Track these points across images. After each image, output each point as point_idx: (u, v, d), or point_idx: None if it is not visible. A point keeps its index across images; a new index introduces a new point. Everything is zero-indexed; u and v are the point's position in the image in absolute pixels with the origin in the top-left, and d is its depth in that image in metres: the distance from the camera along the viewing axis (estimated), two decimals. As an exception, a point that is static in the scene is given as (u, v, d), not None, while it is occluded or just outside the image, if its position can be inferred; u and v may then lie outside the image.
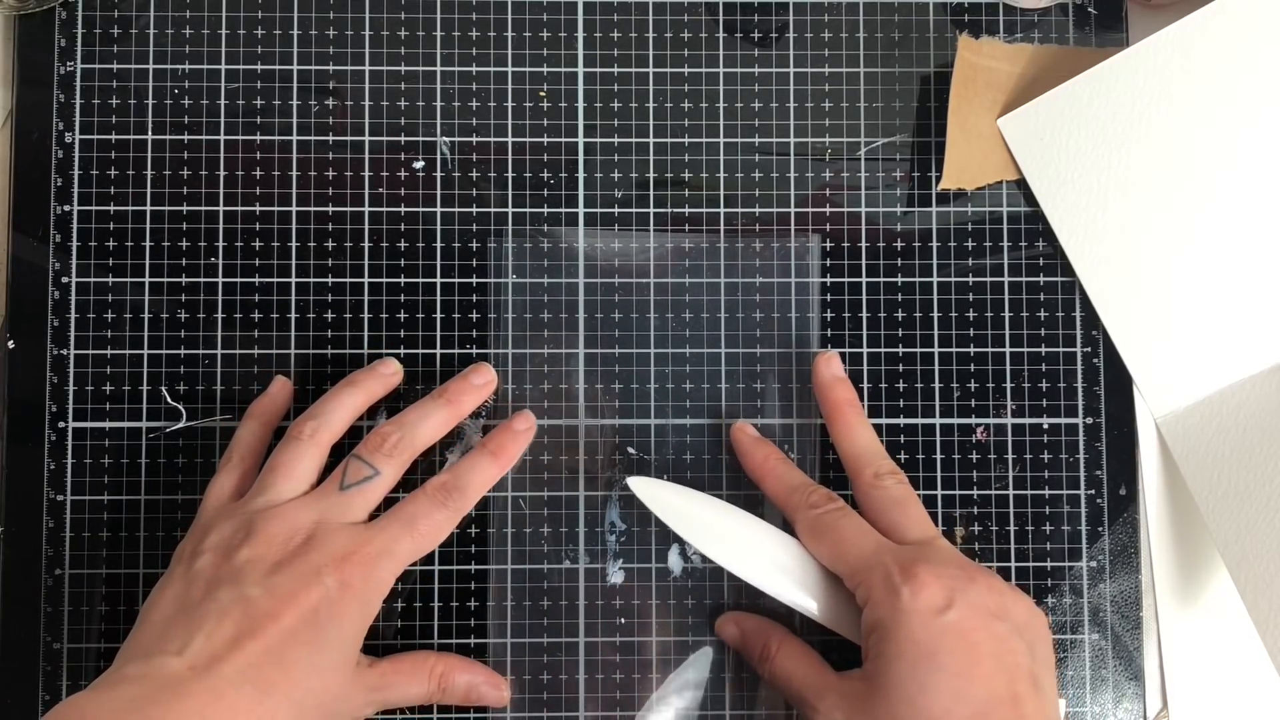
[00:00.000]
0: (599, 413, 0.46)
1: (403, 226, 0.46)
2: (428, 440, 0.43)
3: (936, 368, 0.46)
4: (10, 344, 0.45)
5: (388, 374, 0.44)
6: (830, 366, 0.45)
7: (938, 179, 0.46)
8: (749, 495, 0.45)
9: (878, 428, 0.46)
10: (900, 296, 0.46)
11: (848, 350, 0.46)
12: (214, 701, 0.35)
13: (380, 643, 0.45)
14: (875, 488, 0.42)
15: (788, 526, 0.43)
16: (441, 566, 0.45)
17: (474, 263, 0.46)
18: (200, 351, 0.46)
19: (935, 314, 0.46)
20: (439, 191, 0.46)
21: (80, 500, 0.45)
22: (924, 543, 0.40)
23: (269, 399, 0.45)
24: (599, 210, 0.46)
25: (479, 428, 0.45)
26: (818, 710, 0.39)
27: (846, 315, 0.46)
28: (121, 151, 0.46)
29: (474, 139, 0.46)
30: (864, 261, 0.46)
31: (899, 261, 0.46)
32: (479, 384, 0.44)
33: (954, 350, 0.46)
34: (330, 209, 0.46)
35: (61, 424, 0.45)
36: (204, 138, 0.46)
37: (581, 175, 0.47)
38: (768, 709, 0.45)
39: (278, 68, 0.46)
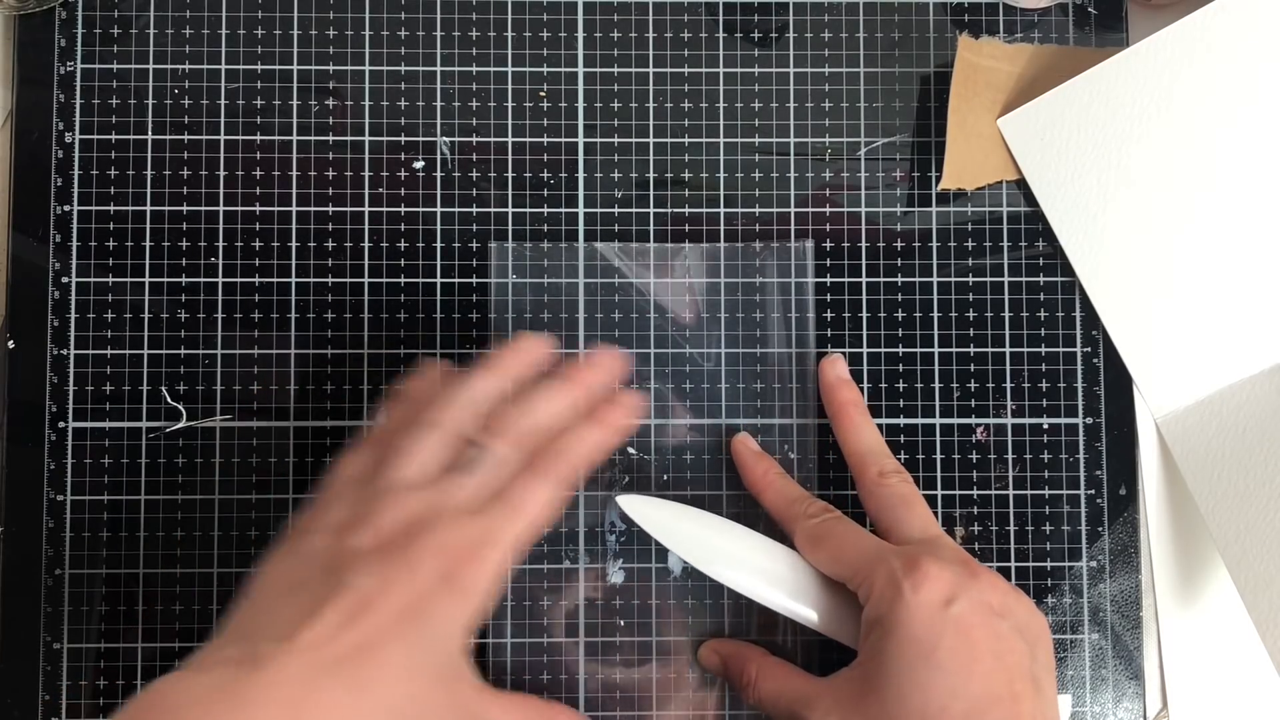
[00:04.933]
0: (599, 413, 0.46)
1: (403, 226, 0.46)
2: (548, 423, 0.40)
3: (936, 368, 0.46)
4: (10, 344, 0.45)
5: (526, 351, 0.41)
6: (835, 368, 0.45)
7: (938, 179, 0.46)
8: (749, 495, 0.45)
9: (877, 428, 0.46)
10: (900, 297, 0.46)
11: (847, 350, 0.46)
12: (307, 695, 0.33)
13: (380, 643, 0.45)
14: (880, 486, 0.42)
15: (784, 540, 0.42)
16: (441, 566, 0.45)
17: (474, 263, 0.46)
18: (200, 351, 0.46)
19: (935, 314, 0.46)
20: (439, 191, 0.46)
21: (80, 500, 0.45)
22: (927, 541, 0.40)
23: (419, 381, 0.41)
24: (599, 210, 0.46)
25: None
26: (810, 719, 0.38)
27: (846, 315, 0.46)
28: (121, 151, 0.46)
29: (474, 139, 0.47)
30: (864, 262, 0.46)
31: (899, 262, 0.46)
32: (601, 364, 0.41)
33: (954, 350, 0.46)
34: (330, 209, 0.46)
35: (61, 424, 0.45)
36: (204, 138, 0.46)
37: (581, 175, 0.47)
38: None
39: (278, 68, 0.46)
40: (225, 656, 0.34)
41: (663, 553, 0.45)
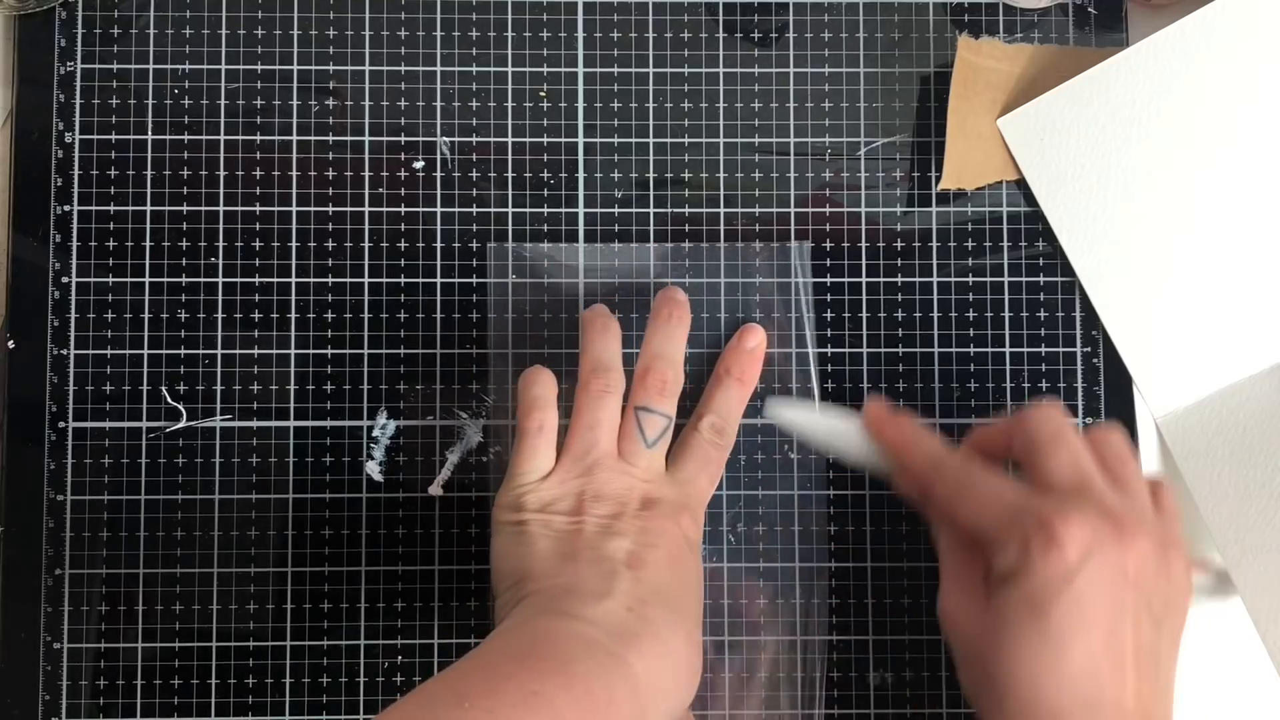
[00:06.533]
0: (599, 413, 0.46)
1: (403, 226, 0.46)
2: (682, 360, 0.43)
3: (936, 368, 0.46)
4: (10, 344, 0.45)
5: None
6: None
7: (937, 179, 0.46)
8: (749, 495, 0.45)
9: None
10: (900, 297, 0.46)
11: (847, 350, 0.46)
12: (643, 610, 0.37)
13: (381, 643, 0.45)
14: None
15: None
16: (441, 567, 0.45)
17: (474, 263, 0.46)
18: (200, 351, 0.46)
19: (935, 314, 0.46)
20: (439, 191, 0.46)
21: (80, 500, 0.45)
22: (1076, 487, 0.37)
23: (534, 377, 0.43)
24: (599, 210, 0.46)
25: (479, 428, 0.46)
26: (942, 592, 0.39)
27: (846, 315, 0.46)
28: (121, 151, 0.46)
29: (474, 139, 0.47)
30: (864, 261, 0.46)
31: (899, 262, 0.46)
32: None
33: (954, 350, 0.46)
34: (330, 209, 0.46)
35: (61, 424, 0.45)
36: (204, 138, 0.46)
37: (581, 175, 0.47)
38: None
39: (278, 68, 0.46)
40: (576, 613, 0.37)
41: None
